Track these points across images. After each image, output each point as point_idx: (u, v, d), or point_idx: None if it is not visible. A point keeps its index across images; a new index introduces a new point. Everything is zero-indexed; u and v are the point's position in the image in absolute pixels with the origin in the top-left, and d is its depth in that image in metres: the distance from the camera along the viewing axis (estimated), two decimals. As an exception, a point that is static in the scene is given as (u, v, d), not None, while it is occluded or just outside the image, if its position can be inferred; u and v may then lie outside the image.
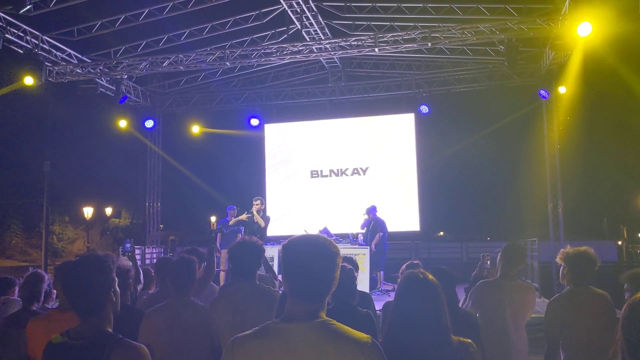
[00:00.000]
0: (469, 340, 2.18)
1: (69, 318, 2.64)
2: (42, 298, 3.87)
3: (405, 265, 3.90)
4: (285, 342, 1.61)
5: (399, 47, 11.42)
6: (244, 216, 9.95)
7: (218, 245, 10.17)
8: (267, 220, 9.78)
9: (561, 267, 3.50)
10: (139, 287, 4.40)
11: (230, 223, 10.23)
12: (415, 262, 3.98)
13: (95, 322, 2.00)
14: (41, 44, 11.51)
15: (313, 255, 1.67)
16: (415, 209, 14.00)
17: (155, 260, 13.44)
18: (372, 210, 10.60)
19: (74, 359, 1.93)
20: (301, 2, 10.73)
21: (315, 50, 11.62)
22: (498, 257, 3.94)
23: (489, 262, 4.34)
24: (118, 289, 2.12)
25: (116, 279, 2.11)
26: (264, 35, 13.18)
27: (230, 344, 1.69)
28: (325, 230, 10.60)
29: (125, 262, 4.36)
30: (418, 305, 2.10)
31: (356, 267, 4.23)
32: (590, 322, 3.24)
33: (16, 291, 4.33)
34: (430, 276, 2.25)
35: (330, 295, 3.44)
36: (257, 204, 9.70)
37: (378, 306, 4.70)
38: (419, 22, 11.68)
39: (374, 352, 1.62)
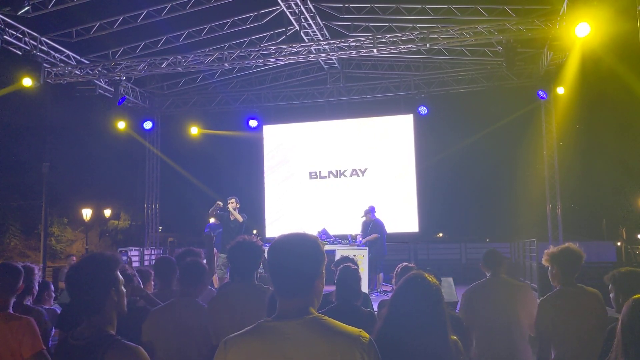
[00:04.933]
0: (455, 338, 2.26)
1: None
2: (36, 291, 3.86)
3: (400, 268, 3.89)
4: (277, 339, 1.62)
5: (397, 48, 11.43)
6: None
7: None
8: (244, 217, 9.71)
9: (549, 269, 3.51)
10: None
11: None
12: (410, 265, 3.96)
13: (95, 322, 1.98)
14: (39, 45, 11.51)
15: (288, 251, 1.71)
16: (414, 210, 13.99)
17: (153, 262, 13.39)
18: (370, 211, 10.56)
19: (71, 359, 1.93)
20: (300, 3, 10.74)
21: (314, 51, 11.62)
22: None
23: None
24: (123, 289, 2.06)
25: (120, 278, 2.05)
26: (263, 36, 13.18)
27: (222, 345, 1.69)
28: (324, 231, 10.58)
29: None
30: (416, 303, 2.13)
31: (357, 268, 4.23)
32: (581, 321, 3.26)
33: None
34: (431, 278, 2.28)
35: (334, 295, 3.45)
36: (232, 202, 9.69)
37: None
38: (418, 23, 11.69)
39: (367, 347, 1.64)
